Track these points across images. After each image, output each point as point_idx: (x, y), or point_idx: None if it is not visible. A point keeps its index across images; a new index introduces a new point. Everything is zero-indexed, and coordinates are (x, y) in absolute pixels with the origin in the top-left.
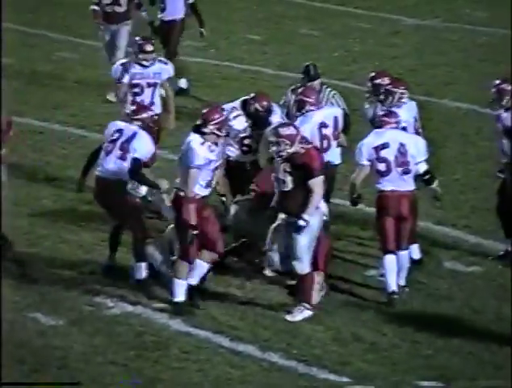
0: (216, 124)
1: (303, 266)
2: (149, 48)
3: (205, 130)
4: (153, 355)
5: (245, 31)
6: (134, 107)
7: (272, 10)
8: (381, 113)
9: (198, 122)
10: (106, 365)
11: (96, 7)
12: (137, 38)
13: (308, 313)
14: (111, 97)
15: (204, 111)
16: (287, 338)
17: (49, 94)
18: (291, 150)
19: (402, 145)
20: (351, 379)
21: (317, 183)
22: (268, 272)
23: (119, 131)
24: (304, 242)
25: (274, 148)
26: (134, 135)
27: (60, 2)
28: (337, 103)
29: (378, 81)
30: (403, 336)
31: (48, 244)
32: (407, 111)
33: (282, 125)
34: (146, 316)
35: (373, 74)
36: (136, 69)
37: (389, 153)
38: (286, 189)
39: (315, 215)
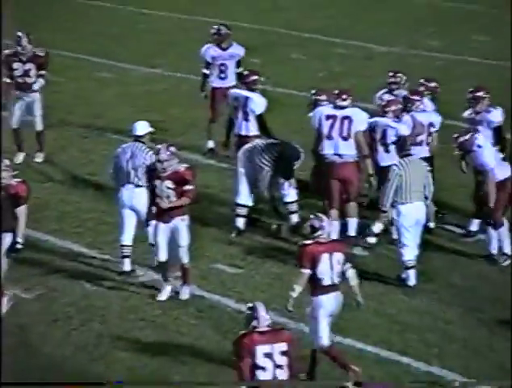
0: None
1: None
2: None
3: None
4: (175, 313)
5: (247, 55)
6: None
7: (268, 39)
8: None
9: None
10: (137, 321)
11: (8, 80)
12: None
13: None
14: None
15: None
16: (282, 300)
17: (91, 106)
18: (9, 179)
19: None
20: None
21: (22, 212)
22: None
23: None
24: None
25: None
26: None
27: (99, 32)
28: None
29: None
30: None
31: (91, 225)
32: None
33: None
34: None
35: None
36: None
37: None
38: None
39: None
